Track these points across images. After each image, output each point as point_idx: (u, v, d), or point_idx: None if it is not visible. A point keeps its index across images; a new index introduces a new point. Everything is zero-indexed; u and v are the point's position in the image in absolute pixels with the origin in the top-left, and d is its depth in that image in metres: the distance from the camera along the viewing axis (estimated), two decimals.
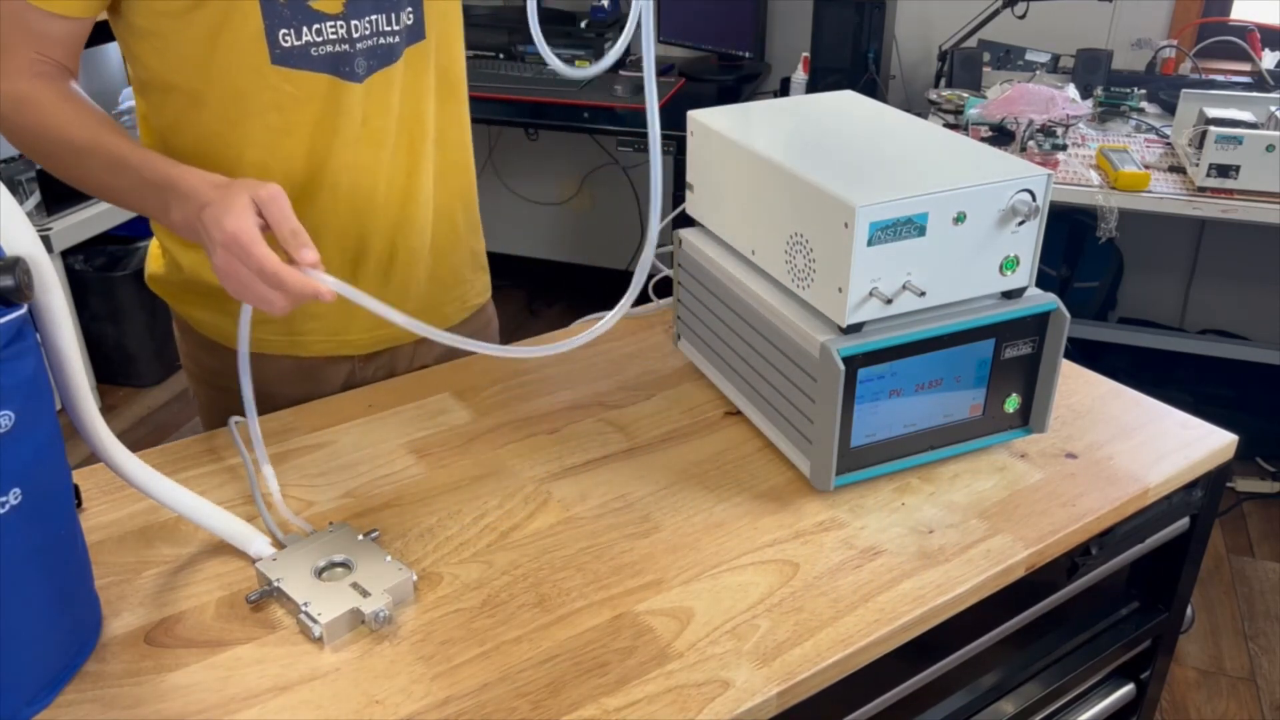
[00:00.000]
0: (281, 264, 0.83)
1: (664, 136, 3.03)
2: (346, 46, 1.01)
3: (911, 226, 0.83)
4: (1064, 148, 2.30)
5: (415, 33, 1.06)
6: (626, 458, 0.98)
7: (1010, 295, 0.92)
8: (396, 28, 1.04)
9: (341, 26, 1.00)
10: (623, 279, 1.03)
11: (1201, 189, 2.10)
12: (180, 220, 0.90)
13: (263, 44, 0.98)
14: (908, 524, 0.89)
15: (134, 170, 0.93)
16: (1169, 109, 2.48)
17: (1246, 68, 2.63)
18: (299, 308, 0.93)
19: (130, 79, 1.07)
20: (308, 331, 1.15)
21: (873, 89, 2.68)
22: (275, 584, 0.80)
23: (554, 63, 0.88)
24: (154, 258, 1.18)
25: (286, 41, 0.98)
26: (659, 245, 1.21)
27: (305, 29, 0.99)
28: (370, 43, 1.03)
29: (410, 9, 1.05)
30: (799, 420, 0.92)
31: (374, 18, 1.02)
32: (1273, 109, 2.16)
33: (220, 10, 0.96)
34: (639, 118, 2.76)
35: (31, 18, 0.94)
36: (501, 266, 1.61)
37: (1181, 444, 1.00)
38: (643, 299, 1.28)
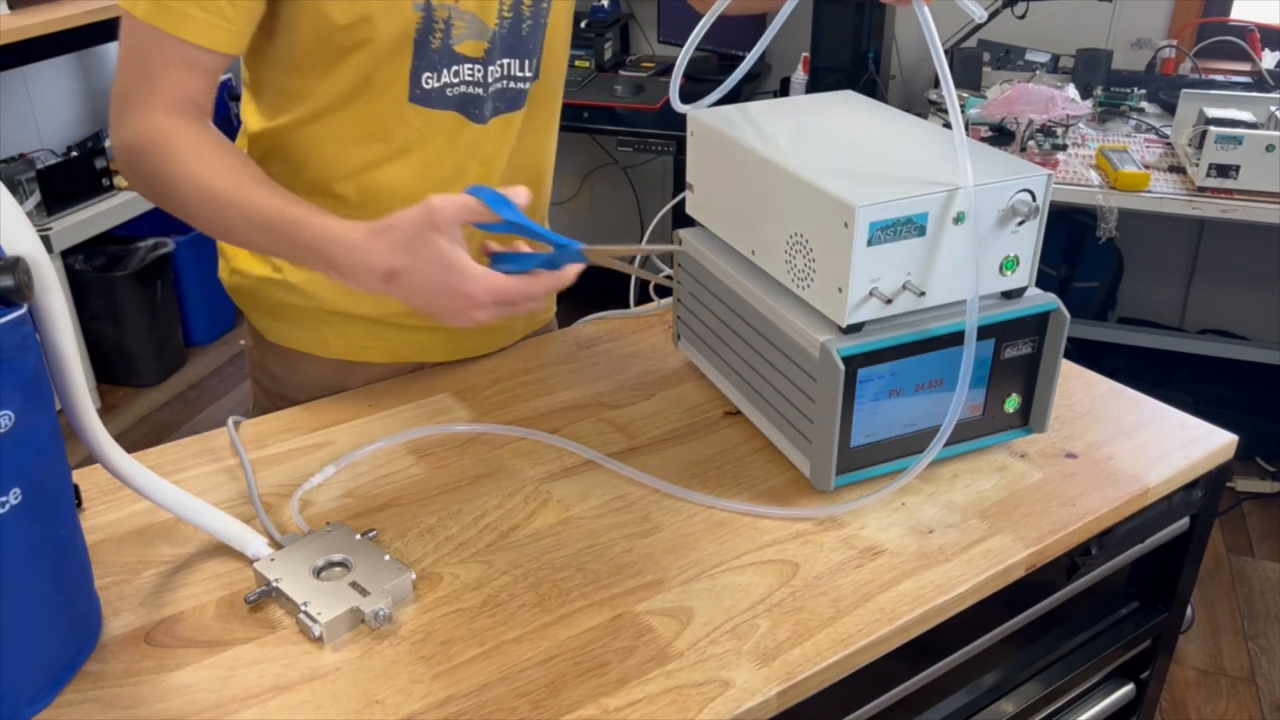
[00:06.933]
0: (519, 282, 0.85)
1: (664, 137, 3.03)
2: (480, 90, 1.03)
3: (911, 226, 0.83)
4: (1064, 148, 2.30)
5: (535, 73, 1.08)
6: (626, 458, 0.98)
7: (1010, 295, 0.92)
8: (527, 74, 1.06)
9: (479, 70, 1.02)
10: (623, 279, 1.03)
11: (1201, 189, 2.10)
12: (359, 285, 0.87)
13: (405, 85, 0.99)
14: (908, 524, 0.89)
15: (282, 234, 0.89)
16: (1169, 109, 2.48)
17: (1246, 68, 2.64)
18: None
19: (244, 78, 1.06)
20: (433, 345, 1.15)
21: (873, 89, 2.68)
22: (274, 584, 0.80)
23: (676, 101, 1.02)
24: (233, 270, 1.15)
25: (428, 84, 1.00)
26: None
27: (446, 71, 1.00)
28: (501, 86, 1.05)
29: (538, 57, 1.07)
30: (799, 420, 0.92)
31: (506, 61, 1.04)
32: (1273, 109, 2.16)
33: (367, 62, 0.97)
34: (639, 117, 2.76)
35: (171, 51, 0.90)
36: None
37: (1181, 444, 1.00)
38: (643, 299, 1.28)
